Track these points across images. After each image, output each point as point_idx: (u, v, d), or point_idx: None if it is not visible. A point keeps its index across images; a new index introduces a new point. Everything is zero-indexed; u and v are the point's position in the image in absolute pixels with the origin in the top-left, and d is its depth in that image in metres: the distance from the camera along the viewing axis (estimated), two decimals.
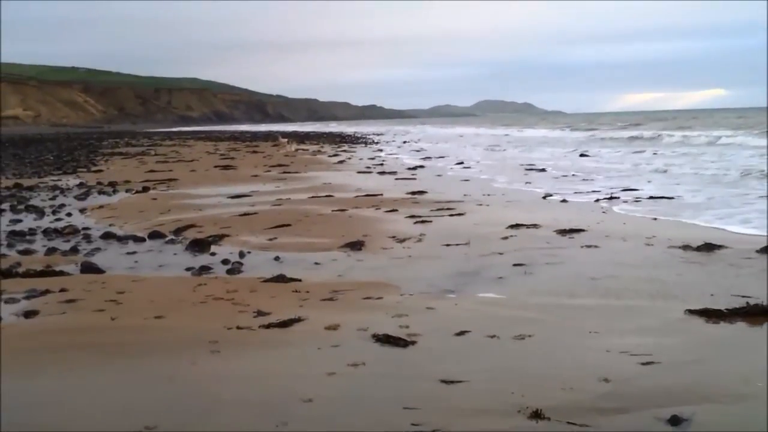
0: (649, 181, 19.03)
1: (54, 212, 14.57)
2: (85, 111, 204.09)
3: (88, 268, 9.00)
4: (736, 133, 41.55)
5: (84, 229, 12.21)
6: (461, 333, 6.08)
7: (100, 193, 18.48)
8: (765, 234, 10.41)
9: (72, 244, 10.88)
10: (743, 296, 6.96)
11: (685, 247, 9.52)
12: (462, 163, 28.40)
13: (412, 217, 12.96)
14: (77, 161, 31.99)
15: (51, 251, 10.27)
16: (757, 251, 9.15)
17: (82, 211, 14.88)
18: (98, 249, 10.54)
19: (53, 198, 17.20)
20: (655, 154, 31.49)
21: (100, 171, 26.21)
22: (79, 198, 17.22)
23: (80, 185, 20.44)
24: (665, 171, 22.27)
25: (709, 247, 9.39)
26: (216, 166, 27.88)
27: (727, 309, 6.51)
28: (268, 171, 25.06)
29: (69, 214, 14.28)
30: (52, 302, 7.30)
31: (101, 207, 15.47)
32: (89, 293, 7.66)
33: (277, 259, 9.64)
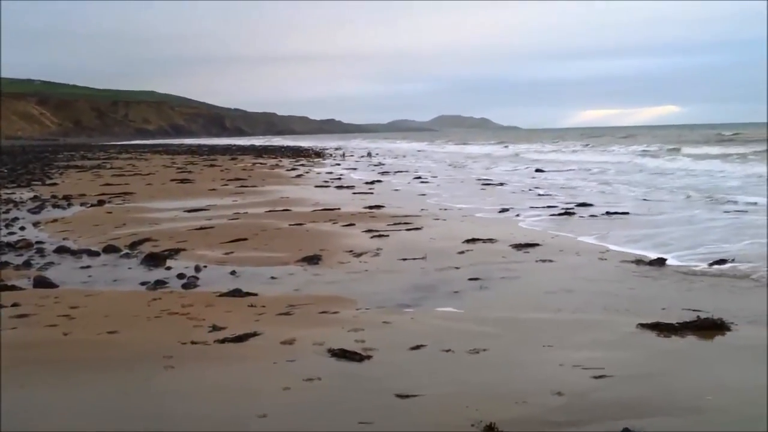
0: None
1: (7, 226, 14.36)
2: (40, 124, 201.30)
3: (41, 283, 8.89)
4: (686, 150, 42.26)
5: (37, 242, 12.07)
6: (417, 347, 6.10)
7: (55, 206, 18.25)
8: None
9: (25, 258, 10.73)
10: (694, 310, 7.07)
11: (638, 262, 9.67)
12: (419, 177, 28.46)
13: (369, 231, 12.98)
14: (32, 174, 31.54)
15: (3, 265, 10.11)
16: (709, 265, 9.32)
17: (35, 224, 14.69)
18: (52, 263, 10.41)
19: (6, 211, 16.94)
20: (604, 170, 31.86)
21: (55, 184, 25.88)
22: (32, 211, 16.99)
23: (34, 198, 20.16)
24: (613, 186, 22.54)
25: (661, 262, 9.55)
26: (173, 180, 27.65)
27: (678, 323, 6.61)
28: (226, 185, 24.93)
29: (22, 228, 14.08)
30: (4, 317, 7.19)
31: (55, 221, 15.28)
32: (42, 308, 7.57)
33: (233, 273, 9.60)
